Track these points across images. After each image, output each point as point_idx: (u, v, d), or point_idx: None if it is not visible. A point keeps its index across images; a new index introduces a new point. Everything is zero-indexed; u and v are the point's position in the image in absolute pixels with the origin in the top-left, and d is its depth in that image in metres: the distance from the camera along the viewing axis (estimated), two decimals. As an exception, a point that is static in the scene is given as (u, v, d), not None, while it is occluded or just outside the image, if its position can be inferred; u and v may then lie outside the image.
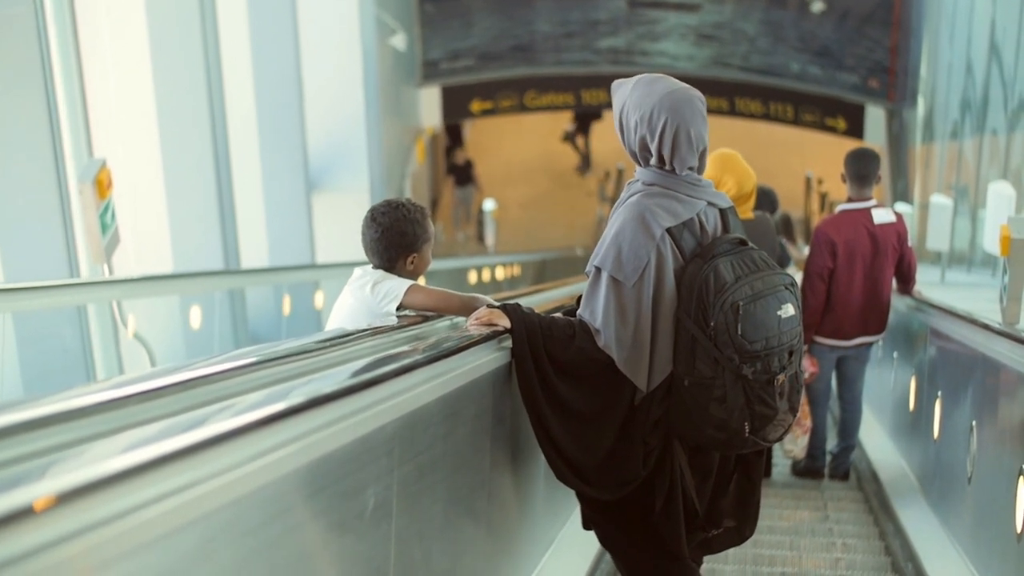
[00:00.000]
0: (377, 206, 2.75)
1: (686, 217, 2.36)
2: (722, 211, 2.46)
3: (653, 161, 2.39)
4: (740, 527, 2.61)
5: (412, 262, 2.74)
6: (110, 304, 4.81)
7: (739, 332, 2.24)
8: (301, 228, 9.89)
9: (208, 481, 1.24)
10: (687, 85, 2.40)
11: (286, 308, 7.37)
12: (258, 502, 1.39)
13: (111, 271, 4.79)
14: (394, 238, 2.69)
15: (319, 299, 7.99)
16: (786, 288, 2.35)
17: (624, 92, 2.42)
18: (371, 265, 2.77)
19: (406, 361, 1.96)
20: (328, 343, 2.02)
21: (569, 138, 19.18)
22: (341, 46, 11.62)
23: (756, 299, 2.27)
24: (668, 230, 2.33)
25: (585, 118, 19.00)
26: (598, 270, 2.36)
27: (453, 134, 19.59)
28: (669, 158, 2.36)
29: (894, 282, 4.87)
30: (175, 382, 1.48)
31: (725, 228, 2.45)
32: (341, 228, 10.43)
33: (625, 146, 2.45)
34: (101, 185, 4.42)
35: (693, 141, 2.36)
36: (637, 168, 2.46)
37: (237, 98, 8.67)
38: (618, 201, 2.46)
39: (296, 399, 1.51)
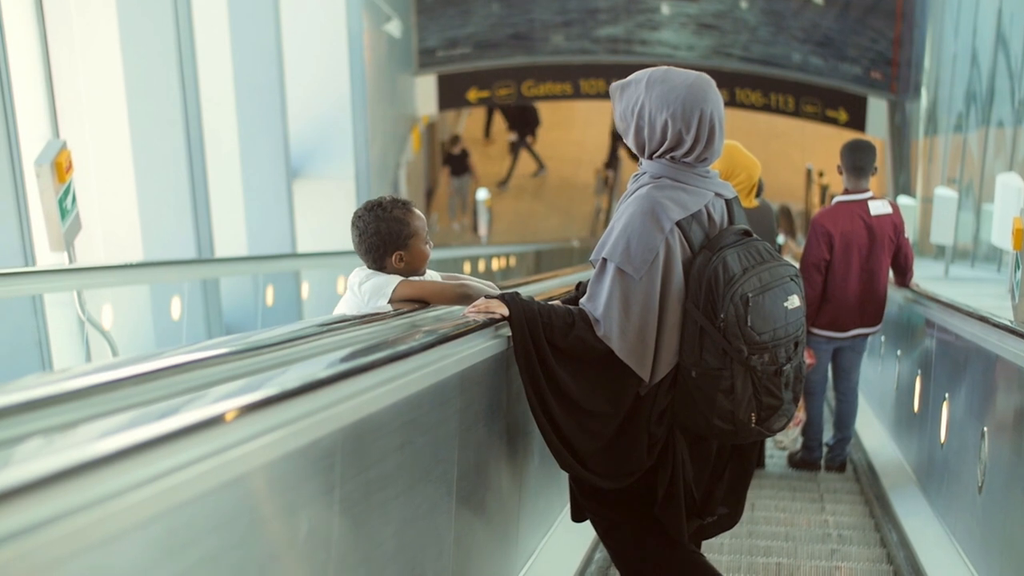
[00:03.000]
0: (358, 209, 2.75)
1: (695, 208, 2.37)
2: (727, 201, 2.47)
3: (678, 153, 2.36)
4: (732, 513, 2.67)
5: (401, 259, 2.68)
6: (70, 294, 4.56)
7: (748, 323, 2.27)
8: (281, 216, 9.59)
9: (91, 508, 1.02)
10: (695, 72, 2.41)
11: (269, 299, 7.14)
12: (158, 533, 1.16)
13: (72, 259, 4.55)
14: (373, 240, 2.67)
15: (304, 289, 7.77)
16: (792, 280, 2.38)
17: (636, 93, 2.39)
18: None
19: (360, 361, 1.75)
20: (269, 343, 1.80)
21: (515, 148, 18.62)
22: (326, 28, 11.34)
23: (764, 291, 2.30)
24: (678, 223, 2.33)
25: (522, 125, 18.40)
26: (605, 261, 2.35)
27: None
28: (703, 149, 2.36)
29: (891, 274, 4.86)
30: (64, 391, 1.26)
31: (731, 218, 2.46)
32: (325, 216, 10.20)
33: (636, 144, 2.43)
34: (60, 168, 4.18)
35: (723, 127, 2.40)
36: (643, 160, 2.45)
37: (213, 78, 8.41)
38: (624, 194, 2.47)
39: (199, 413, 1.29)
